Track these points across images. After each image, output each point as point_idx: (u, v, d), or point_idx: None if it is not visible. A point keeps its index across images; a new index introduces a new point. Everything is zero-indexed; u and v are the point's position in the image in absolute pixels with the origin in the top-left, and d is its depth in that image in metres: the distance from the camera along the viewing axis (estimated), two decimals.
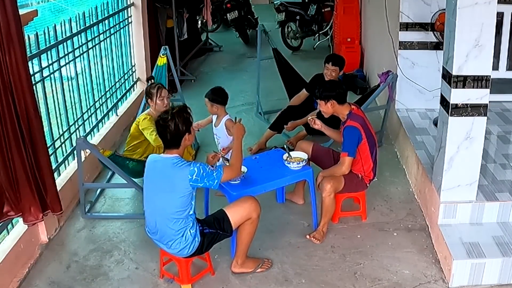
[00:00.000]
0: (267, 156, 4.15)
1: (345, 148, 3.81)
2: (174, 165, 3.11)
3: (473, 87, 3.39)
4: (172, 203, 3.12)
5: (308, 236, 3.89)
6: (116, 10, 5.94)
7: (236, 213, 3.33)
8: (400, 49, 5.35)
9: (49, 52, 4.28)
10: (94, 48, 5.33)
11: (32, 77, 3.74)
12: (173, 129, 3.10)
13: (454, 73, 3.36)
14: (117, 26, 5.98)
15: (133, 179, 4.40)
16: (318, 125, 4.05)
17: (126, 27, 6.32)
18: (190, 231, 3.19)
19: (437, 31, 5.12)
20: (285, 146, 4.10)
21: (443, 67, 3.58)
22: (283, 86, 6.24)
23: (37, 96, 3.84)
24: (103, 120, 5.53)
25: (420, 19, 5.22)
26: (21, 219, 3.61)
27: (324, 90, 3.84)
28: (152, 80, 4.80)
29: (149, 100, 4.60)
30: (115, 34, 5.97)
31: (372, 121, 5.69)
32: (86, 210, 4.33)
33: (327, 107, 3.85)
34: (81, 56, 5.02)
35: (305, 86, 5.64)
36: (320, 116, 4.14)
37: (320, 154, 4.16)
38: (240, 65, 8.98)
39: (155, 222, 3.24)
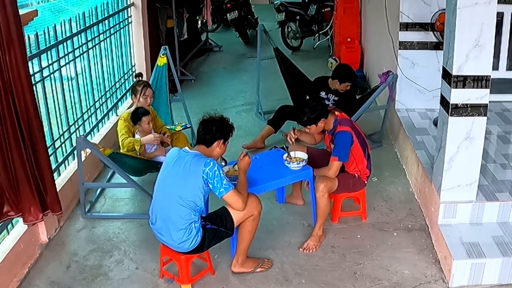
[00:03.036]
0: (267, 156, 4.15)
1: (335, 152, 3.81)
2: (194, 156, 3.21)
3: (473, 87, 3.39)
4: (184, 190, 3.17)
5: (301, 249, 3.80)
6: (116, 10, 5.94)
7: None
8: (400, 49, 5.35)
9: (49, 52, 4.28)
10: (94, 48, 5.33)
11: (32, 77, 3.73)
12: (214, 127, 3.26)
13: (454, 73, 3.36)
14: (117, 26, 5.98)
15: (134, 177, 4.41)
16: (295, 136, 4.05)
17: (126, 27, 6.32)
18: (195, 224, 3.21)
19: (437, 31, 5.12)
20: (284, 146, 4.10)
21: (443, 67, 3.58)
22: (283, 85, 6.22)
23: (37, 96, 3.84)
24: (103, 120, 5.53)
25: (420, 19, 5.22)
26: (21, 219, 3.61)
27: (310, 115, 3.77)
28: (140, 77, 4.82)
29: (133, 96, 4.65)
30: (115, 34, 5.97)
31: (372, 121, 5.74)
32: (86, 210, 4.33)
33: (319, 127, 3.85)
34: (81, 56, 5.02)
35: (308, 91, 5.52)
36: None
37: (316, 157, 4.13)
38: (240, 65, 8.98)
39: (163, 207, 3.26)
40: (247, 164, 3.42)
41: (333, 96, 5.30)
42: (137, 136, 4.50)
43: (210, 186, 3.19)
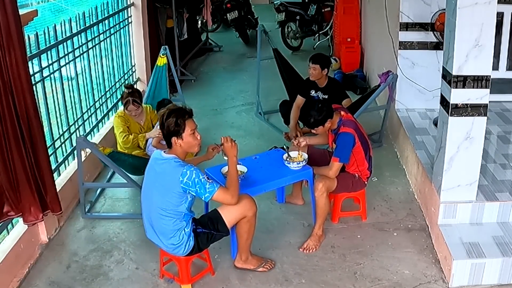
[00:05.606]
0: (267, 156, 4.15)
1: (337, 153, 3.80)
2: (169, 164, 3.09)
3: (473, 87, 3.38)
4: (163, 200, 3.10)
5: (301, 250, 3.80)
6: (116, 10, 5.94)
7: (229, 213, 3.26)
8: (400, 49, 5.35)
9: (49, 52, 4.28)
10: (94, 48, 5.33)
11: (32, 77, 3.74)
12: (165, 128, 3.09)
13: (454, 73, 3.36)
14: (117, 26, 5.98)
15: (134, 175, 4.40)
16: (304, 142, 4.05)
17: (126, 27, 6.32)
18: (184, 230, 3.18)
19: (437, 31, 5.12)
20: (284, 146, 4.10)
21: (443, 67, 3.58)
22: (283, 85, 6.23)
23: (37, 96, 3.85)
24: (103, 120, 5.53)
25: (420, 19, 5.22)
26: (21, 219, 3.61)
27: (317, 117, 3.76)
28: (130, 89, 4.75)
29: (135, 104, 4.70)
30: (115, 34, 5.97)
31: (372, 121, 5.74)
32: (86, 210, 4.33)
33: (326, 128, 3.85)
34: (81, 56, 5.02)
35: (299, 90, 5.53)
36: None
37: (316, 157, 4.13)
38: (240, 65, 8.98)
39: (150, 217, 3.24)
40: (232, 149, 3.23)
41: (322, 94, 5.32)
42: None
43: (194, 193, 3.08)
